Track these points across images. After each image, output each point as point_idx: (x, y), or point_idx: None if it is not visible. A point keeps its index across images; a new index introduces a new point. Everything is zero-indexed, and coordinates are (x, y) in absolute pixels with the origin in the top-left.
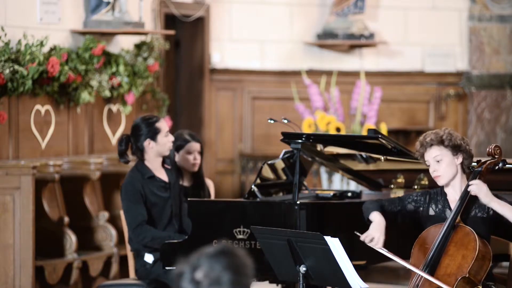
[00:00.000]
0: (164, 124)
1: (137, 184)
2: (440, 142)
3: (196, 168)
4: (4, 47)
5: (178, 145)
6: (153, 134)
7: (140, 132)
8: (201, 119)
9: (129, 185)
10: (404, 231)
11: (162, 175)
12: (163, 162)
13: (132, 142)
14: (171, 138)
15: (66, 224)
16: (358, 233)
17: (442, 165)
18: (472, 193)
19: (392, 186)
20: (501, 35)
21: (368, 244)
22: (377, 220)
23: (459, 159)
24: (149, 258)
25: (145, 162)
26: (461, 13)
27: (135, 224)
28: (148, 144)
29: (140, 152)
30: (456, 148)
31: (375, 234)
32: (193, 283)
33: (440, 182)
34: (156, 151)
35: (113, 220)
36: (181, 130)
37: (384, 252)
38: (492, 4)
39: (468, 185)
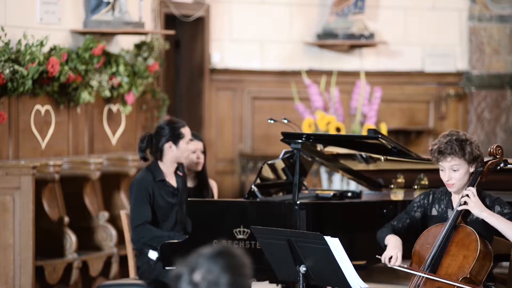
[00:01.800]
0: (188, 131)
1: (147, 184)
2: (462, 155)
3: (199, 167)
4: (4, 47)
5: None
6: (176, 138)
7: (163, 133)
8: (201, 119)
9: (139, 183)
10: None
11: (172, 181)
12: (177, 169)
13: (154, 141)
14: (191, 146)
15: (66, 224)
16: (378, 256)
17: (457, 174)
18: (466, 200)
19: (392, 186)
20: (501, 35)
21: (389, 265)
22: (392, 240)
23: (473, 168)
24: (153, 255)
25: (160, 164)
26: (461, 13)
27: (137, 222)
28: (169, 147)
29: (159, 153)
30: (474, 159)
31: (392, 252)
32: (192, 285)
33: (452, 189)
34: (174, 155)
35: (113, 220)
36: None
37: (404, 269)
38: (492, 4)
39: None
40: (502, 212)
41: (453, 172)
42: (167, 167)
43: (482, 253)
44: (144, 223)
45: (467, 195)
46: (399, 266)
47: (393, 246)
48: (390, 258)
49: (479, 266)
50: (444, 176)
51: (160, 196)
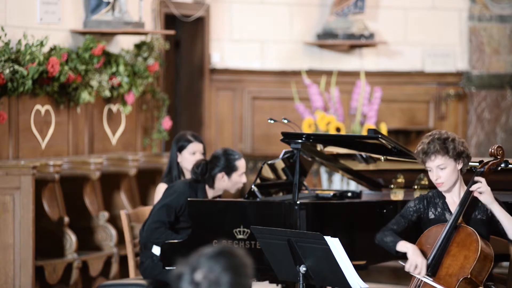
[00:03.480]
0: (243, 164)
1: (183, 200)
2: (446, 152)
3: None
4: (4, 47)
5: (181, 146)
6: (230, 170)
7: (218, 163)
8: (201, 119)
9: (178, 194)
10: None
11: None
12: (219, 196)
13: (207, 168)
14: (244, 179)
15: (66, 224)
16: (402, 262)
17: (445, 173)
18: (479, 190)
19: (392, 186)
20: (501, 35)
21: (413, 274)
22: (410, 247)
23: (460, 165)
24: (157, 250)
25: (207, 189)
26: (461, 13)
27: (156, 225)
28: (221, 177)
29: (211, 180)
30: (459, 156)
31: (417, 260)
32: (193, 284)
33: (442, 188)
34: (225, 185)
35: (113, 220)
36: (184, 131)
37: (429, 281)
38: (492, 4)
39: (473, 182)
40: None
41: (441, 171)
42: (213, 193)
43: (483, 253)
44: (161, 226)
45: (479, 183)
46: (425, 277)
47: (415, 253)
48: (416, 266)
49: (480, 267)
50: (432, 176)
51: None
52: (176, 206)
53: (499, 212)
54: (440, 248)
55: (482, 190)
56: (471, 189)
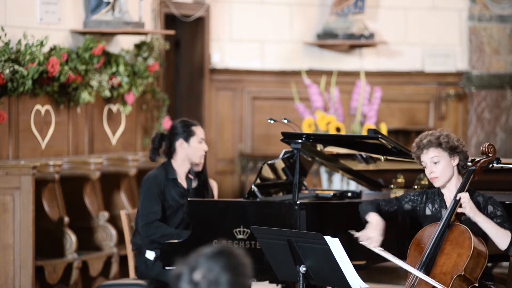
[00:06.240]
0: (200, 131)
1: (159, 182)
2: (438, 144)
3: (200, 167)
4: (4, 47)
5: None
6: (187, 135)
7: (175, 131)
8: (201, 119)
9: (152, 180)
10: (404, 231)
11: (184, 182)
12: (188, 172)
13: (166, 141)
14: (204, 147)
15: (66, 224)
16: (353, 232)
17: (439, 167)
18: (462, 204)
19: (392, 186)
20: (501, 35)
21: (363, 243)
22: (374, 220)
23: (456, 160)
24: (150, 255)
25: (173, 163)
26: (461, 13)
27: (147, 220)
28: (180, 144)
29: (171, 152)
30: (453, 150)
31: (371, 234)
32: (192, 284)
33: (437, 183)
34: (186, 154)
35: (113, 220)
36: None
37: (380, 252)
38: (492, 4)
39: (457, 194)
40: (495, 214)
41: (434, 165)
42: (180, 166)
43: (476, 250)
44: (154, 221)
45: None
46: (376, 248)
47: (374, 227)
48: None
49: (473, 264)
50: (427, 171)
51: (170, 194)
52: (156, 191)
53: (483, 224)
54: (434, 246)
55: (465, 206)
56: (458, 210)
